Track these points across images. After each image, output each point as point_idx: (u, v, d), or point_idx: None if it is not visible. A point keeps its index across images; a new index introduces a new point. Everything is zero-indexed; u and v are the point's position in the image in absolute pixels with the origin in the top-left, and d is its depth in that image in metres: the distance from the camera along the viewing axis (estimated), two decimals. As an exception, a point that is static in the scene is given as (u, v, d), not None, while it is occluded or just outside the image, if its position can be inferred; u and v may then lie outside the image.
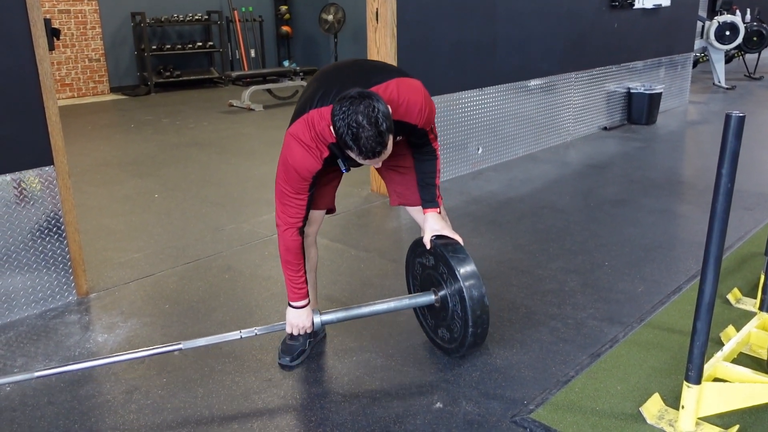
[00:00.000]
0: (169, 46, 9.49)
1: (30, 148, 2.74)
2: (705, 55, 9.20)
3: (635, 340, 2.53)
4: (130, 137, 6.51)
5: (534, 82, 5.47)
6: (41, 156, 2.77)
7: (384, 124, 1.87)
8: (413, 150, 2.32)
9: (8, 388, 2.29)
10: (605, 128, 6.45)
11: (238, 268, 3.28)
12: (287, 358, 2.40)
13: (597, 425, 2.03)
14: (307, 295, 2.29)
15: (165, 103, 8.49)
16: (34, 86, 2.69)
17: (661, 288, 2.98)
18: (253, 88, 8.09)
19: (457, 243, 2.31)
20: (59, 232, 2.86)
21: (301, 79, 8.54)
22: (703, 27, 8.80)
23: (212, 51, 9.95)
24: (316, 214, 2.40)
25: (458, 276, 2.21)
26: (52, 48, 2.73)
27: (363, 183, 4.56)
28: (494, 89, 5.07)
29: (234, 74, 8.80)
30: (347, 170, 2.17)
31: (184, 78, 9.65)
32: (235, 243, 3.60)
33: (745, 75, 9.81)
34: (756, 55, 9.85)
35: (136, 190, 4.66)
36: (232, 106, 8.03)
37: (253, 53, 10.53)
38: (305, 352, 2.45)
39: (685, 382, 1.95)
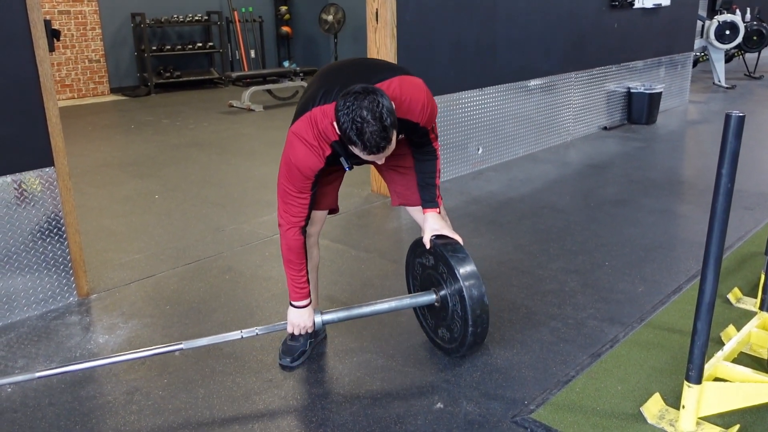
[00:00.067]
0: (169, 47, 9.49)
1: (30, 150, 2.74)
2: (705, 55, 9.19)
3: (636, 340, 2.53)
4: (131, 138, 6.51)
5: (534, 82, 5.46)
6: (41, 157, 2.77)
7: (388, 119, 1.87)
8: (414, 150, 2.32)
9: (9, 389, 2.29)
10: (605, 128, 6.45)
11: (238, 268, 3.28)
12: (288, 359, 2.40)
13: (598, 425, 2.04)
14: (308, 295, 2.29)
15: (165, 103, 8.49)
16: (35, 87, 2.70)
17: (662, 288, 2.98)
18: (253, 88, 8.08)
19: (457, 243, 2.31)
20: (60, 233, 2.87)
21: (301, 80, 8.53)
22: (703, 26, 8.80)
23: (212, 51, 9.95)
24: (318, 215, 2.40)
25: (458, 275, 2.21)
26: (52, 49, 2.73)
27: (363, 183, 4.56)
28: (494, 89, 5.07)
29: (234, 75, 8.78)
30: (350, 168, 2.17)
31: (184, 79, 9.64)
32: (235, 244, 3.61)
33: (745, 74, 9.81)
34: (756, 54, 9.85)
35: (137, 190, 4.66)
36: (232, 106, 8.03)
37: (253, 54, 10.53)
38: (306, 352, 2.45)
39: (685, 382, 1.95)
